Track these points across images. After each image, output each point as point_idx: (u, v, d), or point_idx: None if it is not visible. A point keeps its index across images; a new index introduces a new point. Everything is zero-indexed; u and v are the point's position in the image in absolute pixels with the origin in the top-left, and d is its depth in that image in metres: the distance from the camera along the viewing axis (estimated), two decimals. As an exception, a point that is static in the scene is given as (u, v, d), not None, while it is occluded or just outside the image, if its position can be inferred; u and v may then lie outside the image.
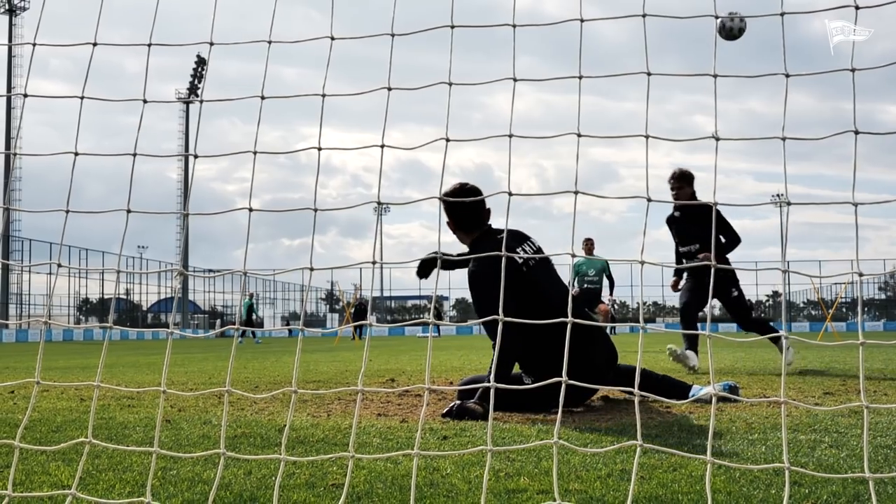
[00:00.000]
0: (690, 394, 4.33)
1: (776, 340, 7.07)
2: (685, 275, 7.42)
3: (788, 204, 1.73)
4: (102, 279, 59.00)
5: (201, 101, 2.18)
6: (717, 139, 1.82)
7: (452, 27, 1.99)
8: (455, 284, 64.31)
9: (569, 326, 1.79)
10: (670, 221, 7.34)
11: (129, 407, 4.44)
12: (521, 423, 3.69)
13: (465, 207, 4.20)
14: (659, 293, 65.58)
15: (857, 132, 1.72)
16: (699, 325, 7.35)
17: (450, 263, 4.35)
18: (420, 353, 13.87)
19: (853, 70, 1.77)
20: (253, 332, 30.11)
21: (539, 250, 4.34)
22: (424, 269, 4.45)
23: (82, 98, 2.18)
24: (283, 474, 1.99)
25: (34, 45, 2.21)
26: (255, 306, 30.72)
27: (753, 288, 77.31)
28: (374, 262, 1.92)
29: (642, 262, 1.73)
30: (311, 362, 10.24)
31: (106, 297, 60.95)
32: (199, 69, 63.08)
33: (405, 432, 3.39)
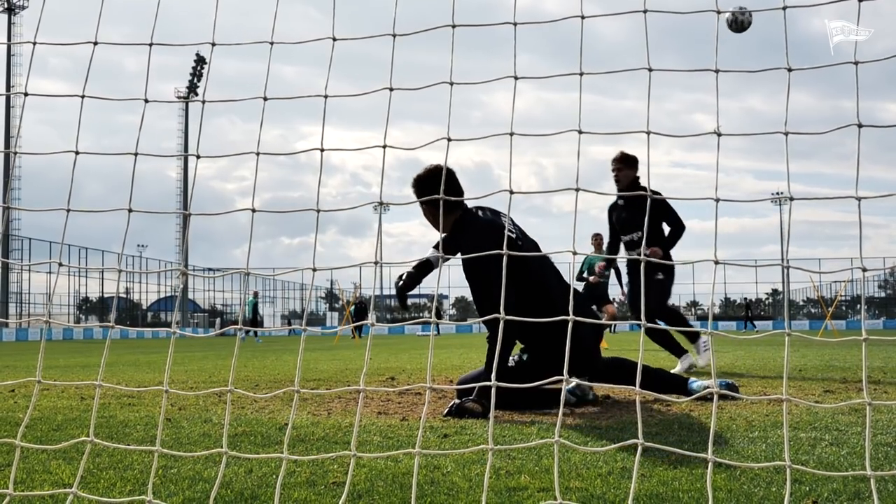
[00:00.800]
0: (689, 387, 4.33)
1: (694, 339, 6.76)
2: (626, 274, 7.16)
3: (791, 199, 1.73)
4: (102, 278, 59.02)
5: (203, 102, 2.18)
6: (719, 134, 1.82)
7: (454, 26, 1.99)
8: (455, 283, 64.36)
9: (570, 322, 1.79)
10: (612, 209, 6.96)
11: (130, 406, 4.44)
12: (522, 421, 3.69)
13: (439, 188, 4.08)
14: (659, 291, 65.43)
15: (860, 125, 1.72)
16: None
17: (450, 248, 4.15)
18: (419, 351, 13.87)
19: (856, 63, 1.77)
20: (255, 332, 30.13)
21: (512, 221, 4.28)
22: (403, 302, 4.33)
23: (83, 97, 2.17)
24: (284, 473, 1.99)
25: (34, 43, 2.21)
26: (258, 305, 30.74)
27: (753, 286, 77.47)
28: (376, 262, 1.92)
29: (643, 258, 1.73)
30: (310, 361, 10.24)
31: (106, 295, 60.95)
32: (199, 67, 63.03)
33: (406, 431, 3.39)
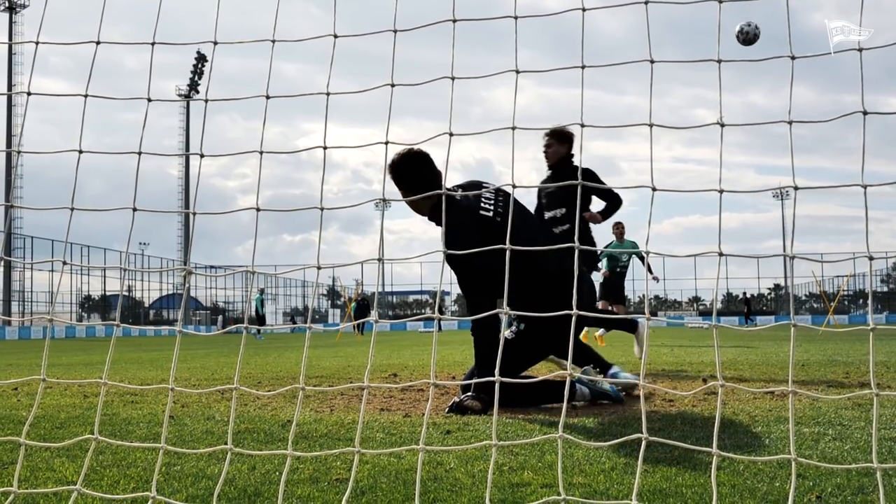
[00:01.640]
0: (610, 373, 4.60)
1: (632, 328, 6.55)
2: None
3: (795, 188, 1.72)
4: (104, 276, 59.06)
5: (206, 101, 2.17)
6: (722, 125, 1.81)
7: (454, 21, 1.99)
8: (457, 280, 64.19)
9: (575, 292, 1.79)
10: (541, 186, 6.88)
11: (133, 403, 4.45)
12: (525, 417, 3.69)
13: (414, 171, 4.06)
14: (661, 287, 65.51)
15: (865, 112, 1.71)
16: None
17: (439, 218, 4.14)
18: (422, 347, 13.87)
19: (860, 49, 1.76)
20: (258, 330, 30.17)
21: (499, 190, 4.16)
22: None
23: (86, 96, 2.17)
24: (288, 469, 1.99)
25: (37, 43, 2.21)
26: (263, 302, 30.85)
27: (755, 282, 77.38)
28: (378, 260, 1.92)
29: (647, 252, 1.73)
30: (313, 358, 10.24)
31: (108, 294, 60.98)
32: (199, 65, 63.02)
33: (408, 427, 3.39)
